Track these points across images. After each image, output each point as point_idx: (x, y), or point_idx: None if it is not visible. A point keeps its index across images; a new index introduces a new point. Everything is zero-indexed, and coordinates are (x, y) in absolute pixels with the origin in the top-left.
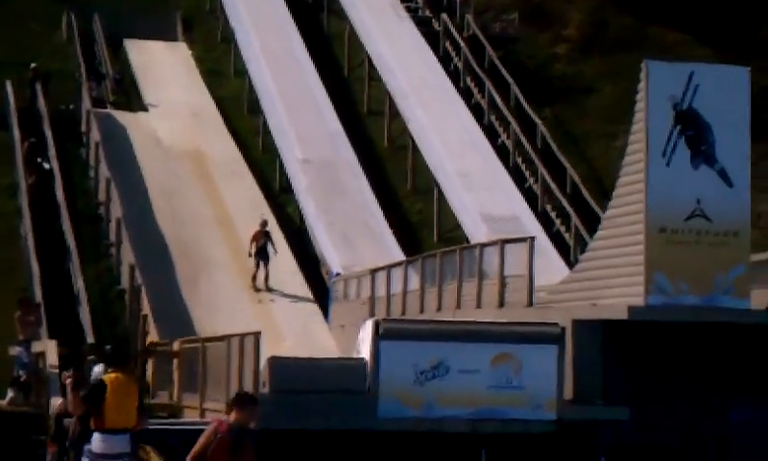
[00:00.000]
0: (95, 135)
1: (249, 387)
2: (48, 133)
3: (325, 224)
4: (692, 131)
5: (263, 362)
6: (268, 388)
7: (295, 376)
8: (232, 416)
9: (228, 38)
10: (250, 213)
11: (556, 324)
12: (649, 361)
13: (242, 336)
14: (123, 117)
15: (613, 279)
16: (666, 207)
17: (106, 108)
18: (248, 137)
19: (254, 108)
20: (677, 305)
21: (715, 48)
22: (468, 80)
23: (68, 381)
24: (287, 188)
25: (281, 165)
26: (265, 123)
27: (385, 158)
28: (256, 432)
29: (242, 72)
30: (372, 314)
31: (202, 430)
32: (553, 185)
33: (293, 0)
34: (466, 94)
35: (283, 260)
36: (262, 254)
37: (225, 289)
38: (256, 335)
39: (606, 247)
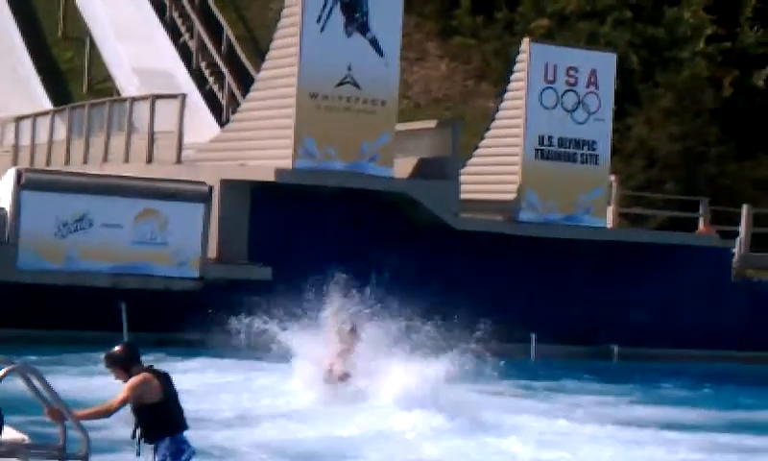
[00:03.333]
0: None
1: None
2: None
3: None
4: None
5: None
6: None
7: None
8: None
9: None
10: None
11: (203, 182)
12: (295, 224)
13: None
14: None
15: (263, 141)
16: (318, 73)
17: None
18: None
19: None
20: (323, 170)
21: None
22: None
23: None
24: None
25: None
26: None
27: (36, 2)
28: None
29: None
30: (14, 164)
31: None
32: (209, 43)
33: None
34: None
35: None
36: None
37: None
38: None
39: (257, 108)
